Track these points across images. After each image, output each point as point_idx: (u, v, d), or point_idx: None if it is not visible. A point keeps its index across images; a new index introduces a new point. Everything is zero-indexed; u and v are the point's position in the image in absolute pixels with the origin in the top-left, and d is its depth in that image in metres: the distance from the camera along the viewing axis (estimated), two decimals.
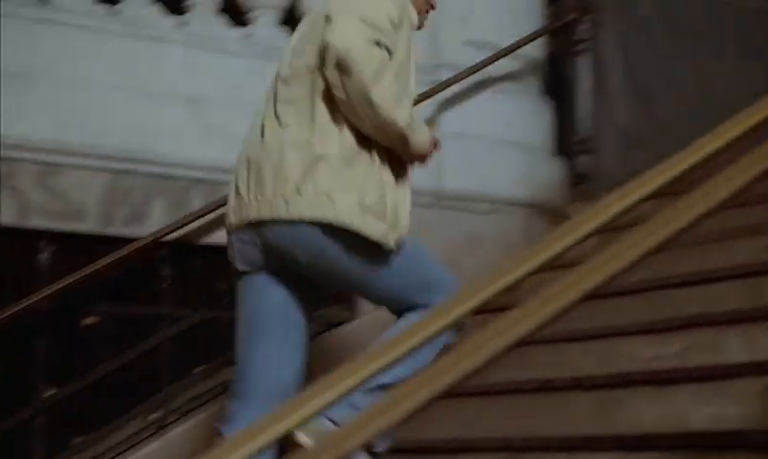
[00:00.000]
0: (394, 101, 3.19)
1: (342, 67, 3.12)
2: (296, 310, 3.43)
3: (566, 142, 6.51)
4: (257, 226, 3.33)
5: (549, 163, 6.26)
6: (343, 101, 3.19)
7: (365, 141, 3.27)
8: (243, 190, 3.37)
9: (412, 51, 3.34)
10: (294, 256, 3.29)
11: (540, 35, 6.35)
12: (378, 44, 3.15)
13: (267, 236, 3.31)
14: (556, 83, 6.61)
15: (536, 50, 6.35)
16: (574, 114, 6.55)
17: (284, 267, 3.37)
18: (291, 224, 3.23)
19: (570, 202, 6.18)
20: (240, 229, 3.39)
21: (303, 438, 2.97)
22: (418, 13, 3.51)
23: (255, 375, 3.40)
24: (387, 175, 3.32)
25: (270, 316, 3.41)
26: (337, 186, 3.20)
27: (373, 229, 3.22)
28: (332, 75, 3.17)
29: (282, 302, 3.41)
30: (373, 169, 3.27)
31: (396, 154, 3.35)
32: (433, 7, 3.60)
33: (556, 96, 6.52)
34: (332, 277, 3.34)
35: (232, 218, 3.42)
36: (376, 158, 3.29)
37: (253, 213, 3.32)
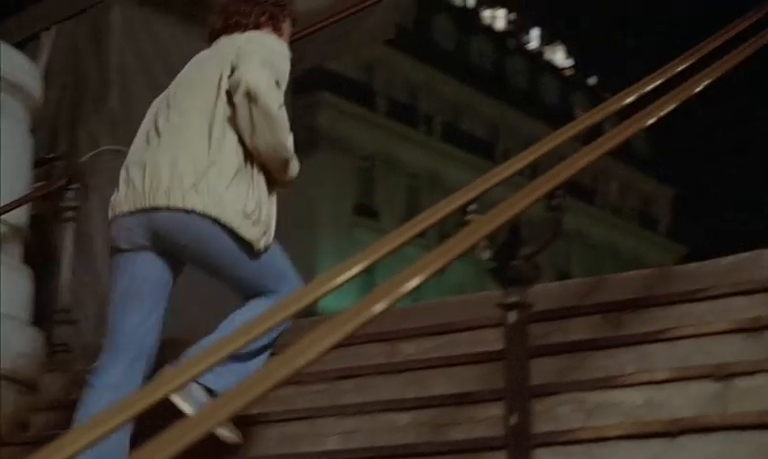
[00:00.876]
0: (287, 130, 4.13)
1: (251, 97, 4.00)
2: (165, 287, 4.22)
3: (46, 311, 6.42)
4: (149, 212, 4.08)
5: (25, 333, 6.11)
6: (245, 125, 4.05)
7: (249, 159, 4.10)
8: (137, 182, 4.12)
9: None
10: (177, 240, 4.08)
11: (25, 202, 6.27)
12: (277, 84, 4.08)
13: (157, 221, 4.07)
14: (39, 250, 6.55)
15: (20, 215, 6.27)
16: (56, 282, 6.46)
17: (164, 249, 4.15)
18: (185, 213, 4.02)
19: (46, 372, 6.03)
20: (129, 215, 4.13)
21: (182, 403, 3.73)
22: None
23: (125, 335, 4.11)
24: (263, 190, 4.15)
25: (145, 287, 4.15)
26: (226, 192, 4.03)
27: (250, 232, 4.08)
28: (241, 102, 4.04)
29: (157, 278, 4.17)
30: (254, 184, 4.11)
31: (269, 175, 4.18)
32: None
33: (39, 263, 6.44)
34: (205, 262, 4.14)
35: (123, 206, 4.16)
36: (256, 175, 4.12)
37: (148, 201, 4.08)
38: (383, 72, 42.61)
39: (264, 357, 4.15)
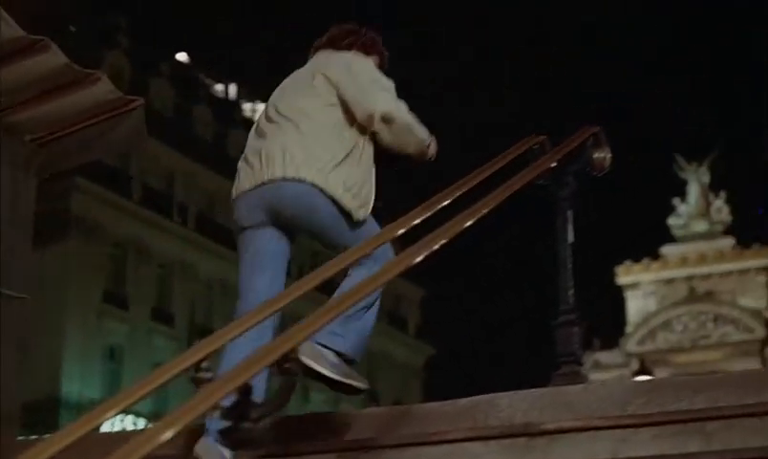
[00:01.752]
0: (419, 124, 4.94)
1: (387, 120, 4.84)
2: (284, 258, 4.91)
3: None
4: (266, 185, 4.83)
5: None
6: (386, 139, 4.90)
7: (357, 146, 4.89)
8: (255, 164, 4.91)
9: None
10: (289, 210, 4.79)
11: None
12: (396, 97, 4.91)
13: (273, 193, 4.80)
14: None
15: None
16: None
17: (279, 222, 4.86)
18: (297, 182, 4.75)
19: None
20: (250, 192, 4.89)
21: (314, 365, 4.33)
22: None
23: (256, 295, 4.73)
24: (367, 172, 4.89)
25: (266, 258, 4.86)
26: (333, 170, 4.77)
27: (350, 203, 4.76)
28: (381, 128, 4.87)
29: (274, 250, 4.88)
30: (359, 165, 4.85)
31: (375, 160, 4.99)
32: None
33: None
34: (313, 231, 4.86)
35: (246, 184, 4.92)
36: (364, 159, 4.90)
37: (267, 176, 4.83)
38: (140, 159, 42.07)
39: (372, 313, 4.82)
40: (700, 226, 57.77)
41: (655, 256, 58.03)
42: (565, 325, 5.13)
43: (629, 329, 57.45)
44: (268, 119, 5.11)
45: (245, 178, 4.98)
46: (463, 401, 4.67)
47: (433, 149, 5.10)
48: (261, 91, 53.76)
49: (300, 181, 4.78)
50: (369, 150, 4.97)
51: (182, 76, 49.67)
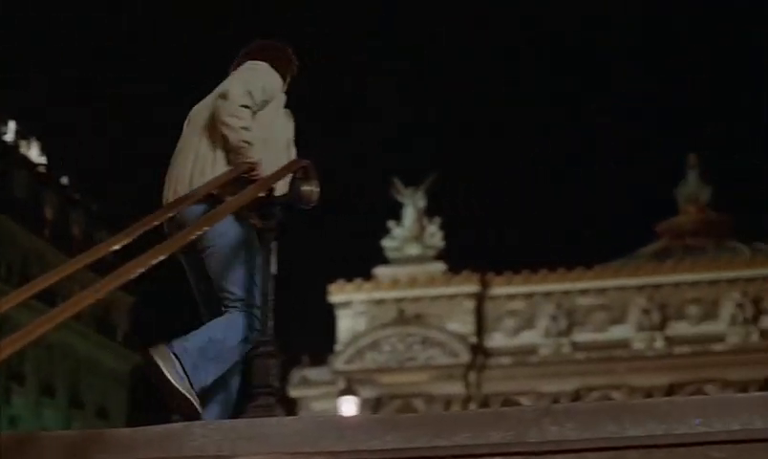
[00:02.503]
0: (243, 123, 5.47)
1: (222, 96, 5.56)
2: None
3: None
4: None
5: None
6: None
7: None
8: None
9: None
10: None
11: None
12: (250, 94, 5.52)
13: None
14: None
15: None
16: None
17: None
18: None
19: None
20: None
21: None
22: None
23: None
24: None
25: None
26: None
27: None
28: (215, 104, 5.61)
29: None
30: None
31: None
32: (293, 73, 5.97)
33: None
34: None
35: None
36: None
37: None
38: None
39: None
40: (413, 249, 59.05)
41: (368, 277, 58.98)
42: (263, 356, 5.14)
43: (338, 347, 58.12)
44: None
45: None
46: (157, 428, 4.61)
47: (248, 159, 5.44)
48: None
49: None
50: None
51: None
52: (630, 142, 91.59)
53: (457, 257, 58.38)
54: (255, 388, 5.13)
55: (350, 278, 58.79)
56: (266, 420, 4.64)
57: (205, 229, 4.98)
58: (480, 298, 57.55)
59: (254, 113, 5.53)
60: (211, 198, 5.18)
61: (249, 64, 5.74)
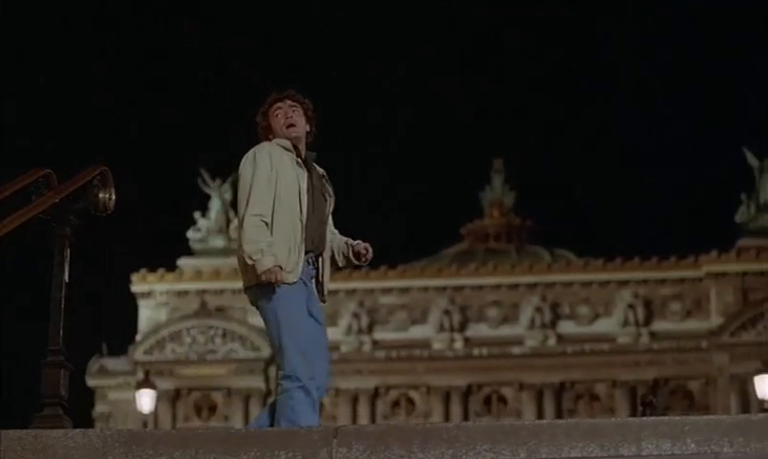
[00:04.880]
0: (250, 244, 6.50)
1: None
2: None
3: None
4: None
5: None
6: None
7: None
8: None
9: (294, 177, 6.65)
10: None
11: None
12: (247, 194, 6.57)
13: None
14: None
15: None
16: None
17: None
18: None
19: None
20: None
21: None
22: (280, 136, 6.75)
23: None
24: None
25: None
26: None
27: None
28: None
29: None
30: None
31: None
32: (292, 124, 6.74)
33: None
34: None
35: None
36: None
37: None
38: None
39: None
40: (218, 241, 58.74)
41: (172, 268, 58.38)
42: (52, 366, 5.02)
43: (139, 338, 57.38)
44: None
45: None
46: None
47: (260, 271, 6.37)
48: None
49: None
50: None
51: None
52: (438, 144, 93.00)
53: None
54: (43, 398, 5.01)
55: (153, 268, 58.10)
56: (53, 431, 4.55)
57: None
58: None
59: None
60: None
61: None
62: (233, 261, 57.73)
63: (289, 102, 6.66)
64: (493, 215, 64.87)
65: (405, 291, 57.76)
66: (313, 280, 6.64)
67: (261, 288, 6.40)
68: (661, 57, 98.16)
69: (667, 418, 4.50)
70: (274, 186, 6.38)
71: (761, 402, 36.63)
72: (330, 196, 6.74)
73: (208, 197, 59.54)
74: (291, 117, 6.60)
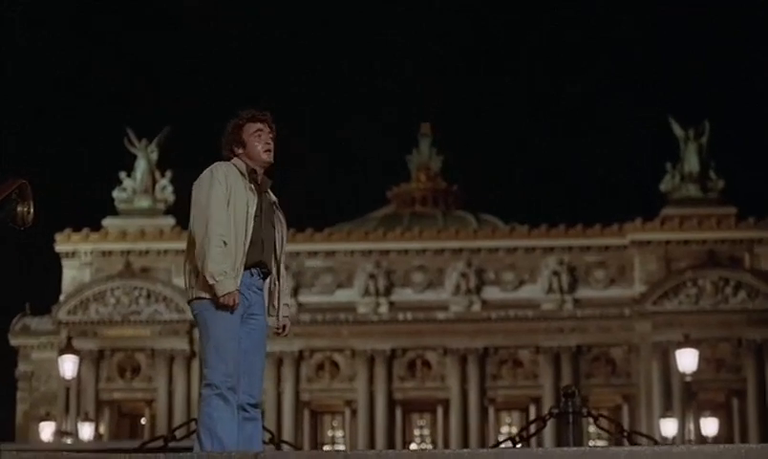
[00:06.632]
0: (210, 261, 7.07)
1: None
2: None
3: None
4: None
5: None
6: None
7: None
8: None
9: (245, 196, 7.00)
10: None
11: None
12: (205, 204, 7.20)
13: None
14: None
15: None
16: None
17: None
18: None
19: None
20: None
21: None
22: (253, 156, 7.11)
23: None
24: None
25: None
26: None
27: None
28: None
29: None
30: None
31: None
32: (269, 151, 7.10)
33: None
34: None
35: None
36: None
37: None
38: None
39: None
40: (143, 202, 58.26)
41: (97, 227, 57.80)
42: None
43: (63, 298, 56.83)
44: None
45: None
46: None
47: (221, 293, 6.75)
48: None
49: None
50: None
51: None
52: (368, 107, 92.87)
53: (187, 212, 57.72)
54: None
55: (77, 228, 57.49)
56: None
57: None
58: None
59: None
60: None
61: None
62: (158, 222, 57.56)
63: (268, 129, 6.96)
64: (420, 179, 65.03)
65: (331, 254, 57.71)
66: (266, 293, 7.05)
67: (202, 302, 6.71)
68: (586, 25, 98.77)
69: None
70: (229, 208, 6.76)
71: (683, 375, 37.17)
72: (280, 223, 6.97)
73: (134, 157, 58.94)
74: (269, 143, 6.93)
